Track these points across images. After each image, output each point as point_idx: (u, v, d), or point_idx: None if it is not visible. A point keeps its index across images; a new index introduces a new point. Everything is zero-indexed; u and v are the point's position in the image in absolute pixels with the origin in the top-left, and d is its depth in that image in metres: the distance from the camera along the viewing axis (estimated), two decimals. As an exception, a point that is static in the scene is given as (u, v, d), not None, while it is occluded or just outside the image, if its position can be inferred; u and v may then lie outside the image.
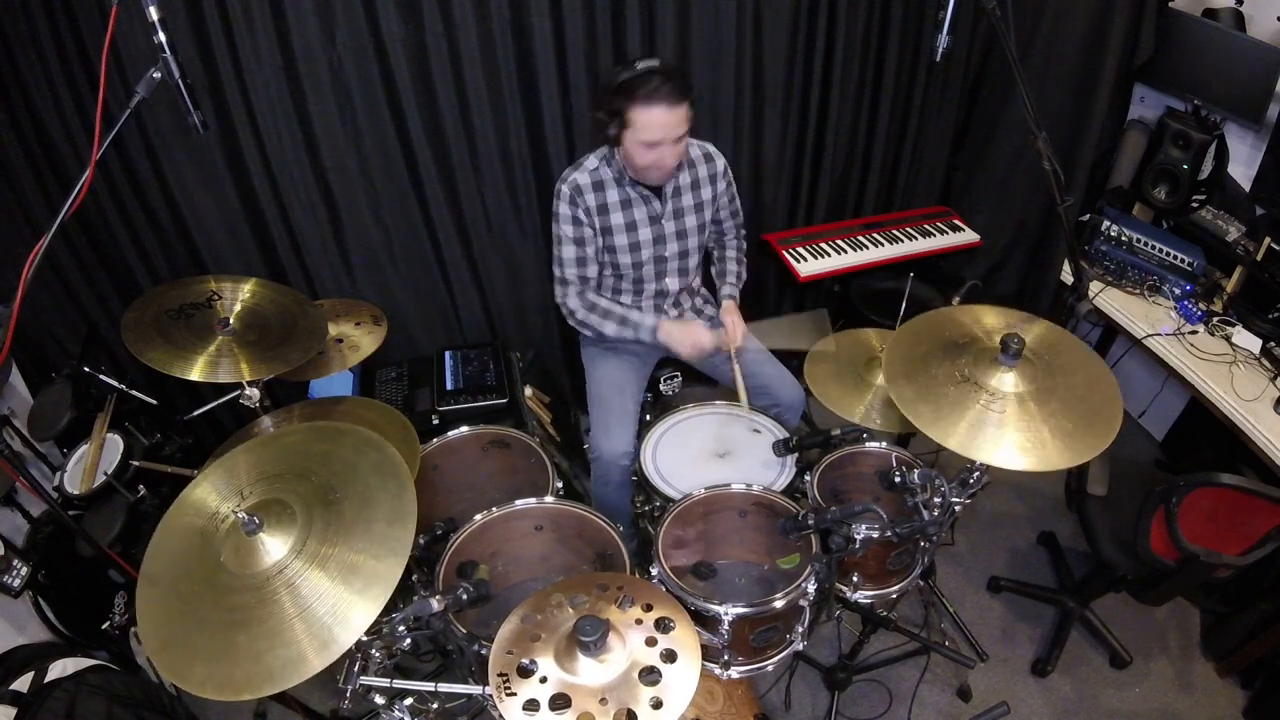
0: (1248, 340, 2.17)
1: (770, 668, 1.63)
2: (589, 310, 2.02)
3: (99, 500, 1.89)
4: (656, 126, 1.73)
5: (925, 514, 1.54)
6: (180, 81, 1.28)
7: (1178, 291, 2.37)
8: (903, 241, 2.72)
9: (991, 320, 1.64)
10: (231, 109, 2.00)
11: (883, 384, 1.92)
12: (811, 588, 1.54)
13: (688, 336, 1.97)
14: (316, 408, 1.90)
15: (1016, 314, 1.65)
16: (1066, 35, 2.45)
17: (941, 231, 2.78)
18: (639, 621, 1.16)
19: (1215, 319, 2.27)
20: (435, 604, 1.24)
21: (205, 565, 1.16)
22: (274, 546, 1.15)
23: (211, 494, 1.25)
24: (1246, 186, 2.27)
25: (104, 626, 1.93)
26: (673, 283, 2.09)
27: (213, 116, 1.98)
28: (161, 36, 1.24)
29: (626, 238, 1.97)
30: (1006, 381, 1.49)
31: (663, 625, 1.15)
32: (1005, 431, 1.42)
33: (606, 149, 1.93)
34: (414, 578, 1.71)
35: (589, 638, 1.08)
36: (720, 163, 2.04)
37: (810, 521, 1.50)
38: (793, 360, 2.11)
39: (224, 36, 1.90)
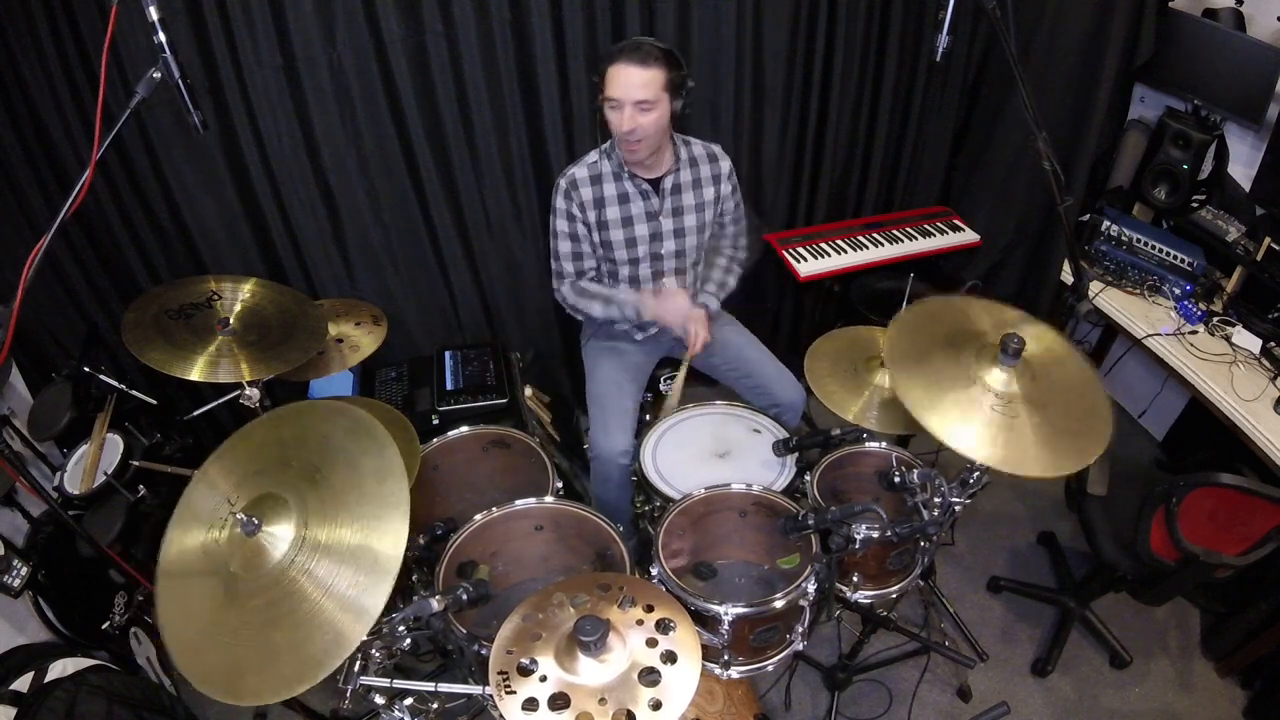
0: (1248, 340, 2.17)
1: (770, 668, 1.63)
2: (578, 295, 2.05)
3: (99, 500, 1.89)
4: (616, 83, 1.73)
5: (925, 514, 1.55)
6: (180, 81, 1.28)
7: (1178, 291, 2.36)
8: (903, 241, 2.72)
9: (996, 316, 1.64)
10: (231, 109, 2.00)
11: (882, 384, 1.93)
12: (811, 588, 1.54)
13: (672, 308, 1.96)
14: (316, 408, 1.89)
15: (1018, 313, 1.65)
16: (1066, 35, 2.45)
17: (941, 231, 2.78)
18: (640, 622, 1.16)
19: (1215, 319, 2.27)
20: (435, 604, 1.24)
21: (220, 580, 1.16)
22: (279, 536, 1.15)
23: (198, 516, 1.24)
24: (1246, 186, 2.27)
25: (104, 626, 1.93)
26: (670, 284, 2.08)
27: (213, 116, 1.98)
28: (161, 36, 1.24)
29: (623, 233, 1.97)
30: (1000, 379, 1.48)
31: (663, 626, 1.15)
32: (993, 429, 1.42)
33: (608, 143, 1.93)
34: (414, 578, 1.71)
35: (589, 637, 1.08)
36: (725, 164, 2.03)
37: (810, 521, 1.50)
38: (793, 360, 2.11)
39: (224, 36, 1.90)
